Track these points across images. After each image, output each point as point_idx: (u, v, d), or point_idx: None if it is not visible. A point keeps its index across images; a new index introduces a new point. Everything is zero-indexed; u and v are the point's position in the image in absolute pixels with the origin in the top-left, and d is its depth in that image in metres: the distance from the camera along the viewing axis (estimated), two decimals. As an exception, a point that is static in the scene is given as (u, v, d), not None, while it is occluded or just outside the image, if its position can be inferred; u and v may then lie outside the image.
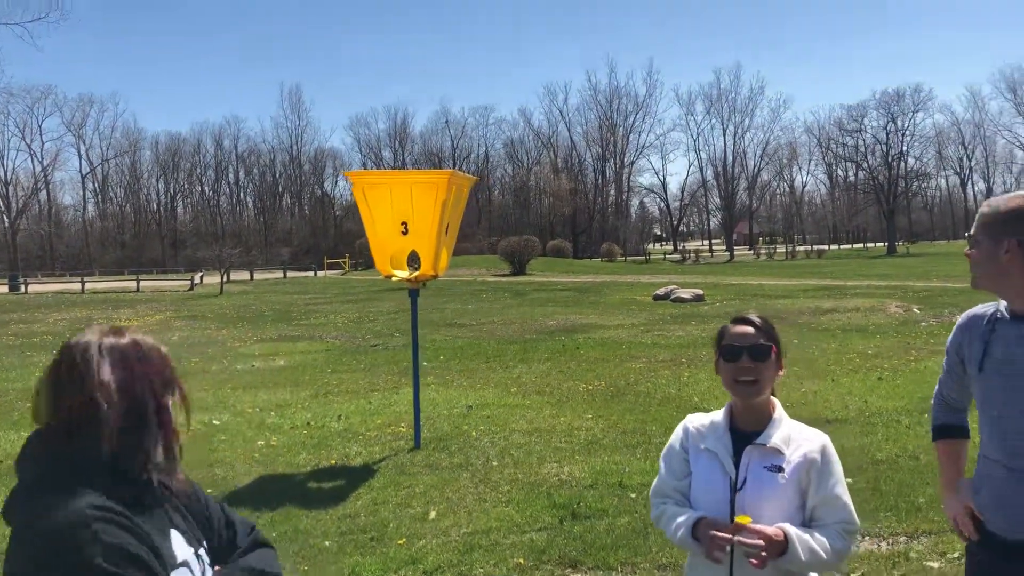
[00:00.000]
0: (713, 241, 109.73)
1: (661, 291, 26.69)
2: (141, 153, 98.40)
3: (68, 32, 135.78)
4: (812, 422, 7.44)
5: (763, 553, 2.06)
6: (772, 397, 2.30)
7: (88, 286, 42.94)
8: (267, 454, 7.71)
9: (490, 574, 4.71)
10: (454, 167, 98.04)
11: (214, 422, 9.19)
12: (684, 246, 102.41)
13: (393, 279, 7.76)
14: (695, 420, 2.39)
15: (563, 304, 25.75)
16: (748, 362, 2.22)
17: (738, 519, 2.16)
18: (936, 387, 2.68)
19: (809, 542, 2.12)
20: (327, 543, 5.30)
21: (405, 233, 7.42)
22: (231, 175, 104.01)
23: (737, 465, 2.24)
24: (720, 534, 2.11)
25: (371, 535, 5.40)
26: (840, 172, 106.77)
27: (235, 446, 8.04)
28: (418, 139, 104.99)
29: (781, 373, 2.31)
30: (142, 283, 43.14)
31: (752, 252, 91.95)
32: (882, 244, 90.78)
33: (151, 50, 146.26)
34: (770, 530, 2.10)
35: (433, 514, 5.78)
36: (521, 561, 4.86)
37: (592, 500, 5.91)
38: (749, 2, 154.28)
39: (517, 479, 6.55)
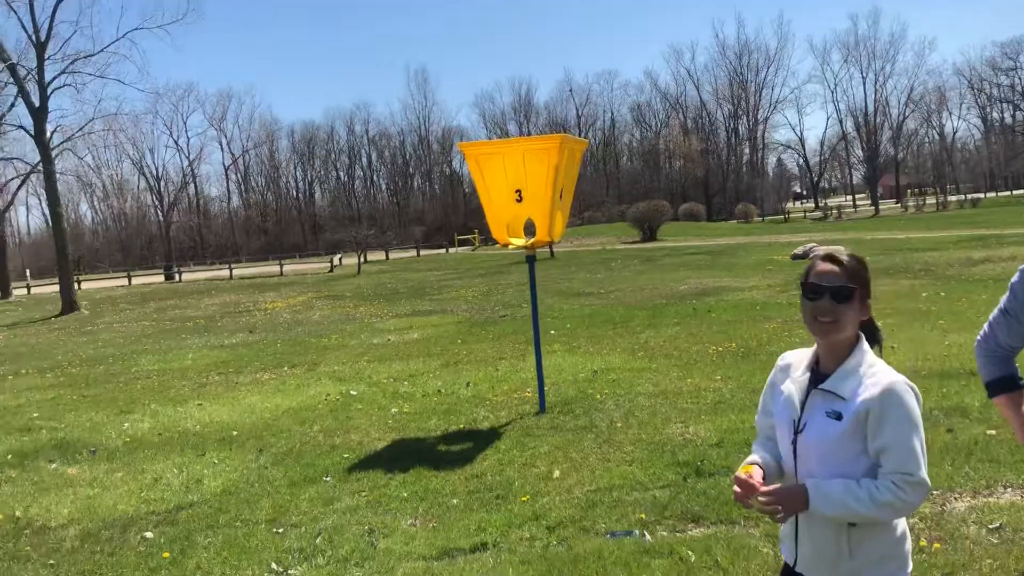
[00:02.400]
0: (857, 196, 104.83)
1: (799, 250, 25.81)
2: (278, 142, 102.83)
3: (204, 31, 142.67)
4: (955, 375, 7.11)
5: (778, 510, 2.06)
6: (860, 336, 2.19)
7: (236, 272, 45.38)
8: (400, 420, 7.99)
9: (612, 529, 4.74)
10: (580, 135, 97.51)
11: (351, 392, 9.59)
12: (826, 203, 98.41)
13: (510, 247, 7.85)
14: (788, 357, 2.34)
15: (695, 268, 25.30)
16: (828, 303, 2.12)
17: (741, 469, 2.17)
18: (984, 332, 2.50)
19: (836, 495, 2.03)
20: (455, 501, 5.46)
21: (520, 200, 7.47)
22: (363, 159, 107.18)
23: (803, 407, 2.18)
24: (737, 489, 2.14)
25: (496, 493, 5.53)
26: (995, 115, 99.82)
27: (370, 414, 8.37)
28: (543, 110, 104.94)
29: (865, 316, 2.20)
30: (285, 267, 45.20)
31: (900, 205, 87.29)
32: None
33: (281, 41, 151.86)
34: (781, 486, 2.10)
35: (557, 473, 5.86)
36: (643, 516, 4.87)
37: (717, 458, 5.84)
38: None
39: (641, 439, 6.54)
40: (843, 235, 37.48)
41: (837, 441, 2.09)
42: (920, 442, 2.05)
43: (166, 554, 4.98)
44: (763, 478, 2.19)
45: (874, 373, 2.10)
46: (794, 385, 2.22)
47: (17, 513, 6.01)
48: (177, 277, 46.95)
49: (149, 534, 5.35)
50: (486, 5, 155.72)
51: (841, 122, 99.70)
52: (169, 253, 66.48)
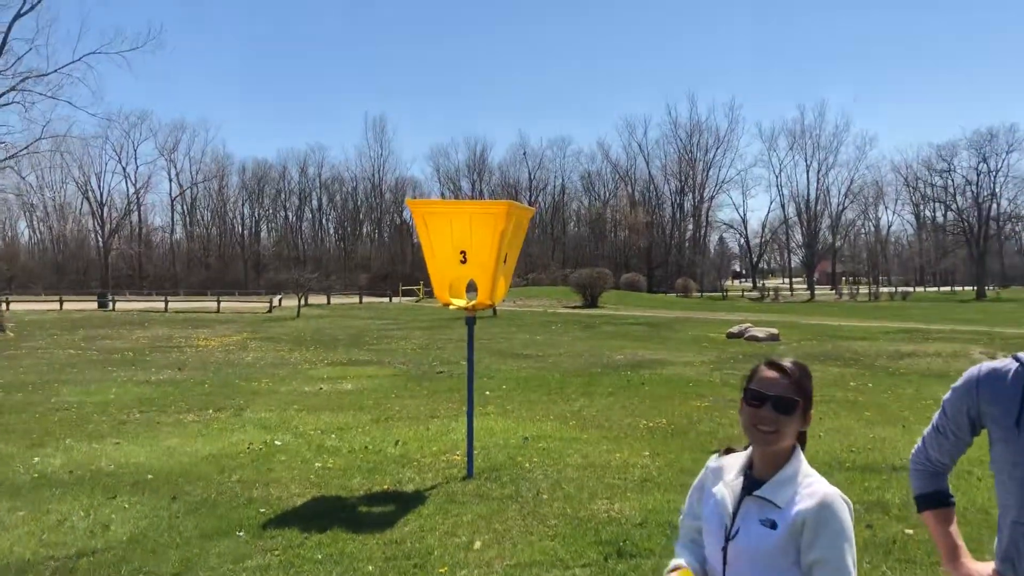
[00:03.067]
0: (794, 279, 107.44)
1: (735, 329, 26.25)
2: (229, 178, 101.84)
3: (163, 61, 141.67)
4: (878, 469, 7.21)
5: None
6: (796, 445, 2.19)
7: (172, 305, 44.41)
8: (323, 476, 7.80)
9: (528, 608, 4.65)
10: (531, 198, 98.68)
11: (275, 442, 9.35)
12: (764, 283, 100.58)
13: (451, 307, 7.82)
14: (719, 460, 2.32)
15: (633, 339, 25.52)
16: (770, 412, 2.11)
17: (678, 573, 2.16)
18: (917, 446, 2.55)
19: None
20: (370, 568, 5.31)
21: (464, 262, 7.47)
22: (314, 201, 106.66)
23: (736, 513, 2.17)
24: None
25: (414, 562, 5.40)
26: (928, 212, 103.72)
27: (293, 467, 8.16)
28: (496, 170, 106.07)
29: (805, 427, 2.20)
30: (223, 304, 44.40)
31: (834, 292, 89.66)
32: (971, 288, 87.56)
33: (239, 78, 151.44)
34: None
35: (478, 544, 5.75)
36: (560, 597, 4.79)
37: (640, 539, 5.80)
38: (833, 38, 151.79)
39: (566, 513, 6.48)
40: (779, 316, 38.23)
41: (770, 550, 2.06)
42: (853, 558, 2.05)
43: (60, 605, 4.73)
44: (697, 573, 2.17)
45: (810, 483, 2.09)
46: (726, 489, 2.20)
47: (-96, 549, 5.67)
48: (111, 305, 45.76)
49: (44, 582, 5.09)
50: (447, 62, 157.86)
51: (783, 206, 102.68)
52: (106, 280, 64.90)
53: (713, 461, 2.33)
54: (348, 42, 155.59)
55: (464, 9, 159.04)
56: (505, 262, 7.62)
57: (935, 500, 2.50)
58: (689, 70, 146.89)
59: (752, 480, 2.17)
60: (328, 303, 52.01)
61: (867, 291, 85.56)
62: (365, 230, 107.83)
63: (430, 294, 58.68)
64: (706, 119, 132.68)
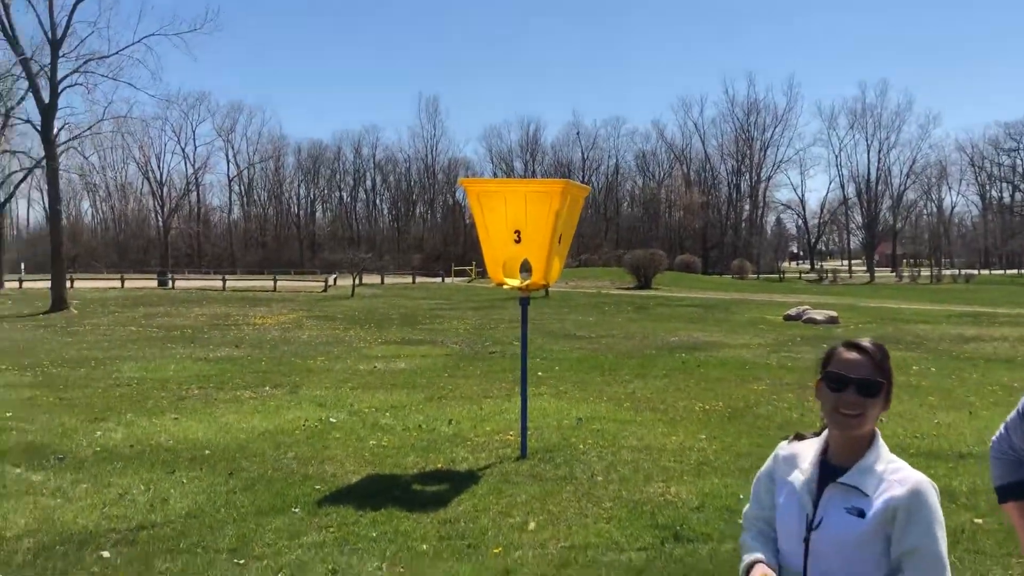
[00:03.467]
0: (853, 261, 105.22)
1: (793, 311, 25.79)
2: (285, 158, 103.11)
3: (221, 43, 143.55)
4: (944, 455, 6.98)
5: None
6: (876, 431, 2.08)
7: (229, 284, 45.16)
8: (377, 454, 7.82)
9: (583, 592, 4.59)
10: (583, 178, 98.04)
11: (331, 420, 9.42)
12: (822, 265, 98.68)
13: (504, 287, 7.75)
14: (788, 448, 2.21)
15: (687, 320, 25.23)
16: (854, 395, 1.99)
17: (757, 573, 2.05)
18: (999, 432, 2.40)
19: None
20: (424, 547, 5.30)
21: (518, 241, 7.39)
22: (368, 182, 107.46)
23: (817, 502, 2.05)
24: None
25: (468, 542, 5.37)
26: (994, 193, 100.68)
27: (347, 444, 8.21)
28: (549, 150, 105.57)
29: (886, 409, 2.08)
30: (279, 283, 45.00)
31: (894, 274, 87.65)
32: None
33: (296, 59, 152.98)
34: None
35: (533, 525, 5.70)
36: (617, 581, 4.72)
37: (697, 523, 5.69)
38: (896, 15, 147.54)
39: (621, 496, 6.39)
40: (838, 299, 37.49)
41: (858, 540, 1.96)
42: (945, 546, 1.95)
43: (122, 576, 4.80)
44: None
45: (896, 469, 2.00)
46: (803, 477, 2.09)
47: (-26, 519, 5.82)
48: (170, 284, 46.76)
49: (106, 553, 5.17)
50: (500, 41, 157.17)
51: (843, 187, 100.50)
52: (165, 259, 66.31)
53: (783, 448, 2.21)
54: (402, 20, 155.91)
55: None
56: (560, 242, 7.52)
57: (1018, 491, 2.35)
58: (747, 47, 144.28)
59: (829, 467, 2.06)
60: (382, 283, 52.44)
61: (929, 273, 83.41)
62: (418, 210, 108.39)
63: (482, 274, 58.86)
64: (764, 97, 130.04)
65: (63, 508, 6.12)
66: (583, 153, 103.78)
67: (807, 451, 2.13)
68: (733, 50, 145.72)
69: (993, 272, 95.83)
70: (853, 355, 2.03)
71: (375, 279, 53.93)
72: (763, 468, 2.26)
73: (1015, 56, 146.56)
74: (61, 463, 7.41)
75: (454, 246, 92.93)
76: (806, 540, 2.05)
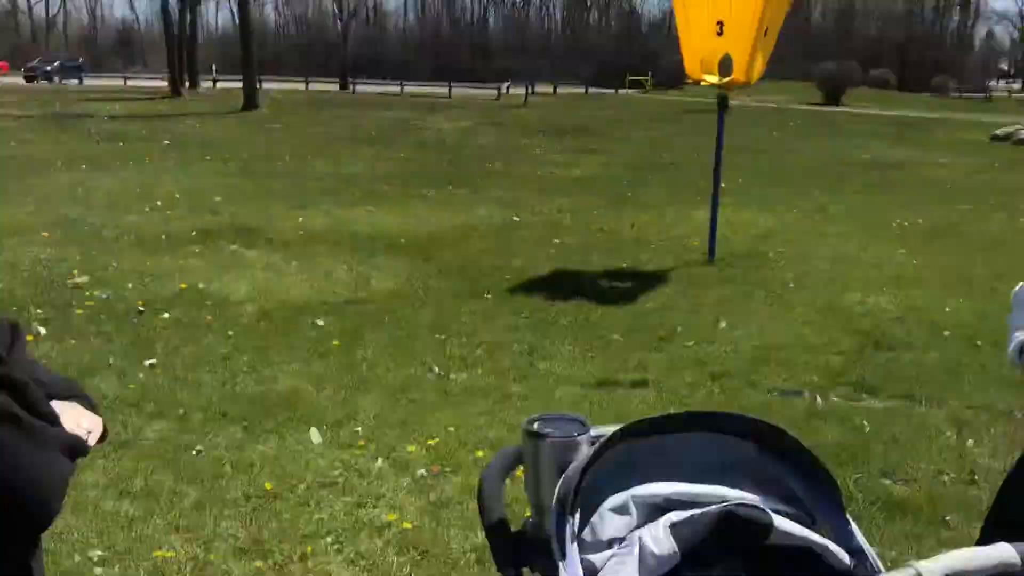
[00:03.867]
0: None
1: (1001, 131, 23.54)
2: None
3: None
4: None
5: None
6: None
7: (406, 89, 45.80)
8: (561, 252, 7.93)
9: (780, 388, 4.57)
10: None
11: (514, 218, 9.59)
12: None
13: (702, 83, 7.38)
14: None
15: (881, 138, 23.56)
16: None
17: None
18: None
19: None
20: (616, 336, 5.40)
21: (720, 34, 6.94)
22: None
23: None
24: None
25: (659, 335, 5.43)
26: None
27: (532, 242, 8.36)
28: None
29: None
30: (453, 90, 45.19)
31: (1123, 98, 77.79)
32: None
33: None
34: None
35: (724, 324, 5.68)
36: (815, 379, 4.66)
37: (899, 332, 5.50)
38: None
39: (815, 303, 6.23)
40: (1054, 122, 33.82)
41: None
42: None
43: (336, 342, 5.19)
44: None
45: None
46: None
47: (201, 285, 6.39)
48: (351, 88, 47.95)
49: (320, 321, 5.59)
50: None
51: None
52: (346, 63, 67.60)
53: None
54: None
55: None
56: (766, 35, 7.01)
57: None
58: None
59: None
60: (554, 92, 51.65)
61: None
62: (592, 18, 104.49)
63: (658, 85, 56.86)
64: None
65: (277, 281, 6.62)
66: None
67: None
68: None
69: None
70: None
71: (547, 88, 53.16)
72: None
73: None
74: (270, 243, 7.95)
75: (628, 56, 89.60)
76: None
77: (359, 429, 3.96)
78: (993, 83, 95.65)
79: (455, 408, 4.25)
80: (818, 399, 4.41)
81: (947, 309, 5.99)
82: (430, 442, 3.81)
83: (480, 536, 3.05)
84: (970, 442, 3.90)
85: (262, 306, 5.90)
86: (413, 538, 3.07)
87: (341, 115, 28.00)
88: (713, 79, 7.22)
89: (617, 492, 1.17)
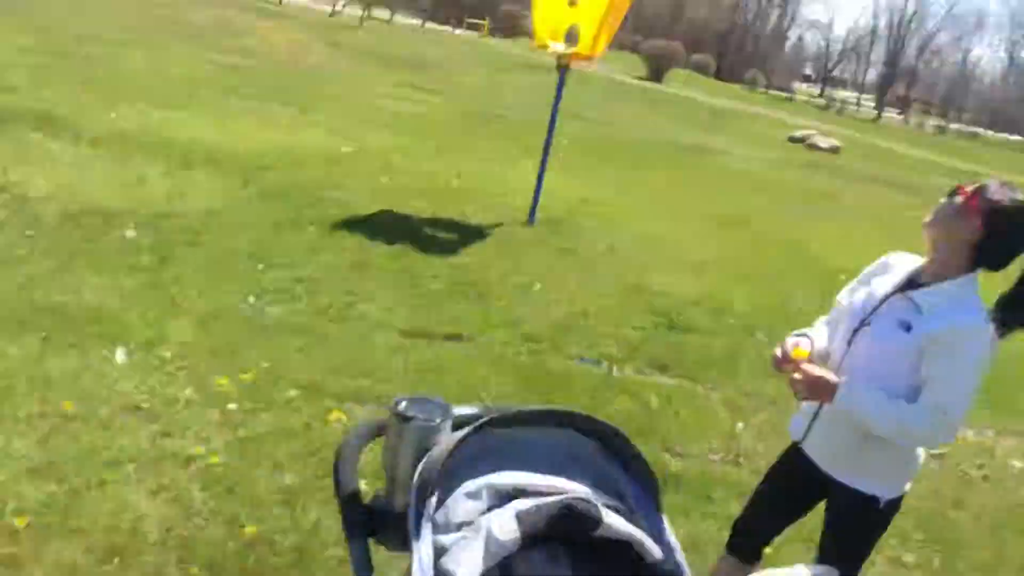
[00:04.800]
0: (864, 96, 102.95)
1: (798, 134, 25.52)
2: None
3: None
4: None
5: (801, 390, 2.10)
6: (975, 271, 2.08)
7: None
8: (388, 191, 7.90)
9: (581, 355, 4.87)
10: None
11: (342, 149, 9.42)
12: (831, 93, 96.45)
13: (547, 51, 7.55)
14: (893, 257, 2.27)
15: (696, 123, 24.90)
16: (945, 204, 2.09)
17: (794, 351, 2.15)
18: None
19: (864, 406, 2.03)
20: (436, 286, 5.53)
21: (572, 4, 7.12)
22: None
23: (879, 306, 2.15)
24: (777, 354, 2.18)
25: (478, 290, 5.61)
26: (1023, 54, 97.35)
27: (359, 176, 8.27)
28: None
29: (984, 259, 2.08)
30: (285, -2, 42.98)
31: (902, 117, 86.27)
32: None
33: None
34: (817, 372, 2.08)
35: (538, 287, 5.93)
36: (613, 351, 5.00)
37: (692, 316, 5.96)
38: None
39: (621, 277, 6.62)
40: (842, 129, 37.02)
41: (894, 350, 2.07)
42: (970, 388, 2.04)
43: (146, 258, 4.97)
44: (811, 350, 2.20)
45: (963, 305, 2.05)
46: (885, 283, 2.19)
47: (-5, 174, 5.88)
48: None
49: (131, 233, 5.32)
50: None
51: (875, 16, 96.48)
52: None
53: (889, 256, 2.29)
54: None
55: None
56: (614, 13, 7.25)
57: None
58: None
59: (913, 284, 2.14)
60: (390, 19, 50.40)
61: (936, 124, 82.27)
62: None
63: (495, 32, 56.72)
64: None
65: (84, 181, 6.21)
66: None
67: (907, 263, 2.21)
68: None
69: (998, 134, 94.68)
70: (982, 184, 2.08)
71: (384, 14, 51.73)
72: (866, 268, 2.34)
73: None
74: (77, 138, 7.38)
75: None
76: (854, 331, 2.18)
77: (168, 354, 3.86)
78: (797, 84, 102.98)
79: (269, 343, 4.22)
80: (615, 370, 4.75)
81: (734, 298, 6.56)
82: (242, 376, 3.78)
83: (288, 479, 3.12)
84: (740, 425, 4.36)
85: (66, 207, 5.53)
86: (219, 473, 3.08)
87: (155, 3, 26.02)
88: (559, 47, 7.40)
89: (473, 478, 1.29)
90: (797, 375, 2.10)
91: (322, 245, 5.88)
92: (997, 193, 2.03)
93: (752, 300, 6.64)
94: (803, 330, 2.32)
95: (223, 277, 4.94)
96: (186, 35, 18.79)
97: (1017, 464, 4.61)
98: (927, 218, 2.11)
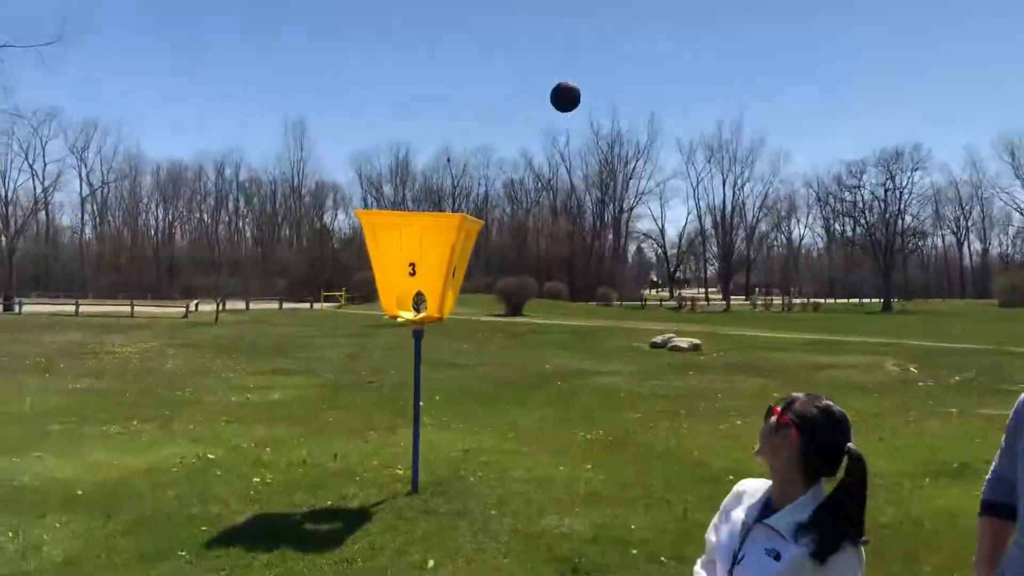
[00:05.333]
0: (710, 290, 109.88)
1: (659, 339, 26.67)
2: (142, 178, 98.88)
3: (78, 57, 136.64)
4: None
5: None
6: (819, 482, 2.15)
7: (83, 309, 42.72)
8: (263, 492, 7.60)
9: (490, 629, 4.62)
10: (454, 206, 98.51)
11: (209, 456, 9.08)
12: (680, 293, 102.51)
13: (399, 319, 7.73)
14: (745, 484, 2.32)
15: (560, 347, 25.69)
16: (764, 426, 2.20)
17: None
18: (995, 460, 2.64)
19: None
20: (323, 590, 5.20)
21: (413, 275, 7.40)
22: (231, 204, 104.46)
23: (745, 539, 2.18)
24: None
25: (368, 583, 5.31)
26: (838, 227, 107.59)
27: (230, 482, 7.93)
28: (419, 176, 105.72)
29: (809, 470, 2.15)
30: (136, 308, 42.94)
31: (748, 302, 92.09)
32: (878, 300, 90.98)
33: (156, 77, 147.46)
34: None
35: (431, 563, 5.68)
36: (522, 617, 4.77)
37: (594, 555, 5.82)
38: (750, 58, 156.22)
39: (517, 529, 6.46)
40: (699, 327, 39.01)
41: None
42: None
43: (-3, 635, 4.48)
44: None
45: (823, 523, 2.07)
46: (743, 514, 2.22)
47: None
48: (17, 308, 43.80)
49: (-23, 610, 4.82)
50: (368, 67, 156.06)
51: (700, 218, 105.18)
52: (11, 282, 62.00)
53: (741, 485, 2.33)
54: (266, 43, 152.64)
55: (385, 18, 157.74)
56: (454, 275, 7.57)
57: (989, 508, 2.59)
58: (611, 80, 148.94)
59: (770, 509, 2.18)
60: (247, 309, 50.89)
61: (780, 302, 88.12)
62: (284, 234, 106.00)
63: (353, 300, 58.08)
64: (627, 130, 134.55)
65: (-80, 561, 5.66)
66: (453, 180, 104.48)
67: (759, 489, 2.25)
68: (598, 82, 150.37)
69: (837, 300, 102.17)
70: (791, 401, 2.22)
71: (240, 305, 52.28)
72: (726, 498, 2.37)
73: (860, 96, 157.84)
74: (-88, 509, 6.83)
75: (322, 271, 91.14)
76: (729, 572, 2.17)
77: None
78: (646, 292, 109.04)
79: None
80: (528, 638, 4.50)
81: (632, 526, 6.48)
82: None
83: None
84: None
85: (-102, 597, 4.99)
86: None
87: (2, 340, 25.38)
88: (408, 315, 7.61)
89: None
90: None
91: (195, 571, 5.48)
92: (803, 405, 2.16)
93: (649, 523, 6.58)
94: None
95: (87, 636, 4.48)
96: (33, 368, 18.24)
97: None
98: (755, 447, 2.22)
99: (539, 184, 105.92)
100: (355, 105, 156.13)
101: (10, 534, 6.22)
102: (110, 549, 5.93)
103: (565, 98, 5.66)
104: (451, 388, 15.37)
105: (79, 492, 7.44)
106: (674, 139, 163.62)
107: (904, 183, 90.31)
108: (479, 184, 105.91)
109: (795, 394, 2.23)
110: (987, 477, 2.64)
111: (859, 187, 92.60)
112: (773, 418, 2.19)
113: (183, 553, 5.84)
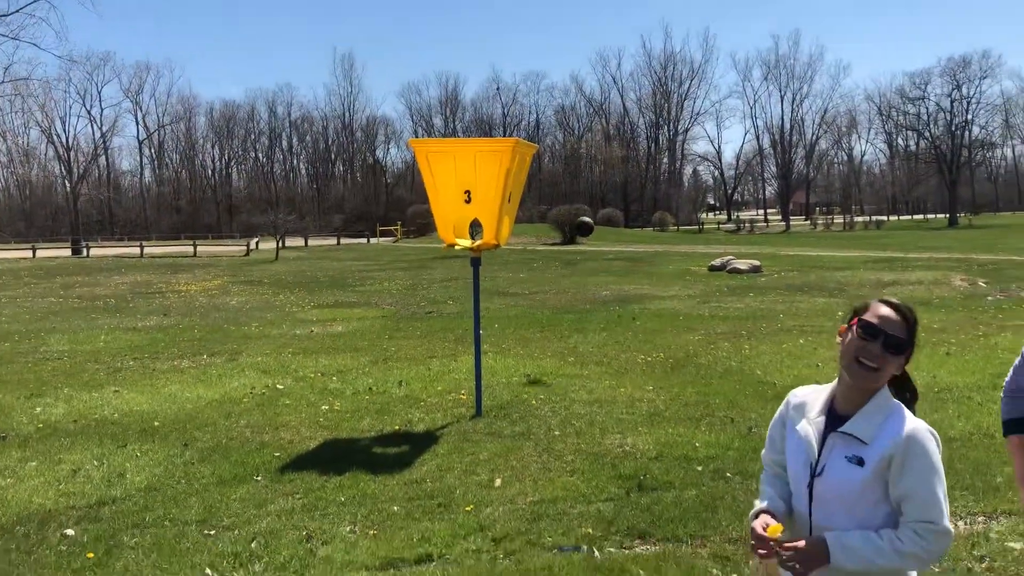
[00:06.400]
0: (768, 211, 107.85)
1: (717, 262, 26.40)
2: (196, 119, 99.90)
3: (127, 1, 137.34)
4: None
5: (797, 567, 2.04)
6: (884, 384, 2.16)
7: (147, 251, 43.85)
8: (331, 419, 7.80)
9: (559, 543, 4.71)
10: (505, 134, 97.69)
11: (278, 386, 9.33)
12: (738, 216, 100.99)
13: (456, 247, 7.76)
14: (799, 394, 2.29)
15: (616, 274, 25.60)
16: (879, 349, 2.06)
17: (768, 530, 2.09)
18: (1009, 376, 2.57)
19: (858, 549, 2.02)
20: (395, 508, 5.35)
21: (468, 202, 7.39)
22: (284, 142, 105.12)
23: (821, 450, 2.14)
24: (753, 542, 2.13)
25: (438, 501, 5.44)
26: (901, 141, 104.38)
27: (299, 410, 8.15)
28: (469, 106, 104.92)
29: (899, 372, 2.14)
30: (199, 248, 43.92)
31: (809, 223, 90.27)
32: (943, 216, 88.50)
33: (206, 16, 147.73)
34: (801, 544, 2.05)
35: (499, 482, 5.80)
36: (590, 531, 4.85)
37: (658, 472, 5.87)
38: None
39: (580, 449, 6.54)
40: (758, 248, 38.47)
41: (858, 487, 2.06)
42: (943, 490, 2.04)
43: (90, 554, 4.72)
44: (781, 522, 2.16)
45: (896, 418, 2.08)
46: (810, 426, 2.18)
47: (-81, 503, 5.62)
48: (85, 252, 45.13)
49: (70, 531, 5.07)
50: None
51: (758, 137, 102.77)
52: (76, 226, 63.61)
53: (795, 396, 2.30)
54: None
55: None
56: (509, 201, 7.55)
57: (1016, 425, 2.53)
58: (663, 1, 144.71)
59: (836, 416, 2.15)
60: (305, 245, 51.61)
61: (841, 221, 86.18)
62: (338, 170, 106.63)
63: (409, 234, 58.44)
64: (680, 51, 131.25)
65: (15, 488, 5.95)
66: (504, 109, 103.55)
67: (816, 399, 2.23)
68: (649, 3, 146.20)
69: (901, 218, 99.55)
70: (888, 312, 2.11)
71: (298, 241, 53.05)
72: (776, 413, 2.35)
73: (921, 6, 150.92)
74: (4, 441, 7.17)
75: (376, 206, 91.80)
76: (810, 486, 2.15)
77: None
78: (703, 215, 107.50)
79: (233, 615, 3.98)
80: (595, 552, 4.58)
81: (696, 444, 6.51)
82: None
83: None
84: (733, 576, 4.21)
85: (-2, 521, 5.27)
86: None
87: (74, 283, 26.22)
88: (465, 243, 7.62)
89: None
90: (785, 554, 2.05)
91: (271, 494, 5.68)
92: (910, 316, 2.14)
93: (713, 440, 6.60)
94: (758, 504, 2.27)
95: (175, 554, 4.70)
96: (104, 309, 18.83)
97: (1015, 546, 4.51)
98: (872, 375, 2.11)
99: (591, 109, 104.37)
100: (403, 36, 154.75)
101: (95, 463, 6.50)
102: (189, 475, 6.17)
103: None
104: (509, 316, 15.47)
105: (156, 423, 7.73)
106: (729, 56, 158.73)
107: (971, 92, 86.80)
108: (530, 112, 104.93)
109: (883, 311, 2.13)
110: (1004, 395, 2.57)
111: (923, 98, 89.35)
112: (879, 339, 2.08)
113: (259, 478, 6.04)
